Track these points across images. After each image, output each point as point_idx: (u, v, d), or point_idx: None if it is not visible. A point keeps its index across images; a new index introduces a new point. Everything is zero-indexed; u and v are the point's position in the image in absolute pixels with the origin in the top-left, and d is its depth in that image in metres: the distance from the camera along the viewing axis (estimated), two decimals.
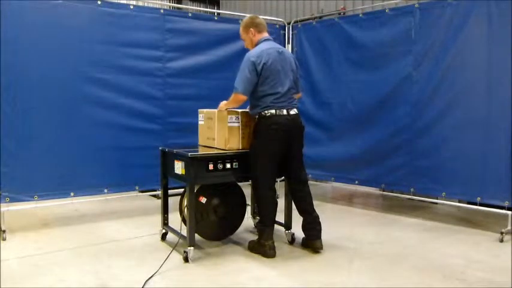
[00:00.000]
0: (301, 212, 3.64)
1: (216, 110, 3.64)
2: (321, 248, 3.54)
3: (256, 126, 3.49)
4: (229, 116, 3.51)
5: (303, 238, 3.72)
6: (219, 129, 3.59)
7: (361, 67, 4.98)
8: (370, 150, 4.91)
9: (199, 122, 3.88)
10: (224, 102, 3.59)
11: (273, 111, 3.39)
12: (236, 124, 3.53)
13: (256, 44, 3.54)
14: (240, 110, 3.57)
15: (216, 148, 3.59)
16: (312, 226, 3.58)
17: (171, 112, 4.80)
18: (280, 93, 3.41)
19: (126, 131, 4.52)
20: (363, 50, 4.95)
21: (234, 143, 3.53)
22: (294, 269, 3.23)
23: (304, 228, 3.63)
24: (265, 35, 3.59)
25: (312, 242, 3.57)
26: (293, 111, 3.47)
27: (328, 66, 5.29)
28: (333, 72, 5.24)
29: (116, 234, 4.04)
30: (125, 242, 3.83)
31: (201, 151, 3.49)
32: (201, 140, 3.87)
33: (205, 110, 3.82)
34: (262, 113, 3.41)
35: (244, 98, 3.42)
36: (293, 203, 3.69)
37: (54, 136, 4.13)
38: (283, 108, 3.42)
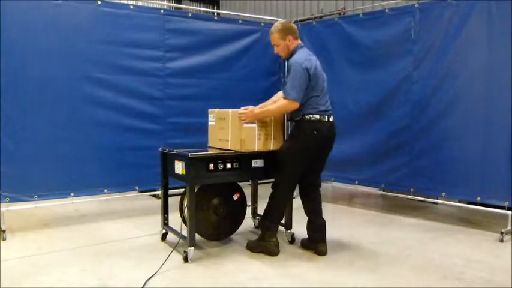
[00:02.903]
0: (310, 213, 3.63)
1: (230, 110, 3.52)
2: (326, 253, 3.53)
3: (296, 128, 3.42)
4: None
5: (304, 239, 3.72)
6: (233, 130, 3.47)
7: (361, 67, 4.98)
8: (370, 150, 4.91)
9: (210, 123, 3.75)
10: (256, 108, 3.43)
11: (317, 116, 3.35)
12: (252, 125, 3.43)
13: (293, 51, 3.47)
14: None
15: (229, 150, 3.47)
16: (320, 229, 3.58)
17: (171, 112, 4.80)
18: (322, 98, 3.41)
19: (126, 131, 4.52)
20: (363, 50, 4.95)
21: (251, 145, 3.43)
22: (294, 269, 3.23)
23: (311, 229, 3.62)
24: (300, 41, 3.54)
25: (317, 244, 3.55)
26: (331, 118, 3.46)
27: (328, 66, 5.25)
28: (333, 72, 5.21)
29: (116, 234, 4.04)
30: (124, 242, 3.83)
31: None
32: (212, 141, 3.73)
33: (216, 110, 3.69)
34: (306, 116, 3.34)
35: (297, 105, 3.30)
36: (304, 205, 3.65)
37: (54, 136, 4.12)
38: (325, 115, 3.40)
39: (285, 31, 3.47)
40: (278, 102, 3.41)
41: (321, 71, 3.50)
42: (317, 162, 3.53)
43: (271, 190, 3.56)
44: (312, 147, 3.40)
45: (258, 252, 3.48)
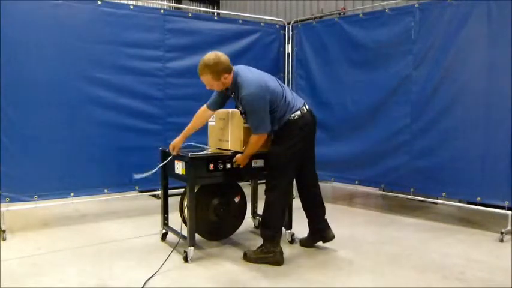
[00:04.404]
0: (316, 207, 3.63)
1: (229, 110, 3.52)
2: (334, 236, 3.59)
3: (283, 130, 3.30)
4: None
5: (302, 238, 3.73)
6: (233, 131, 3.48)
7: (361, 67, 4.98)
8: (370, 150, 4.91)
9: (210, 123, 3.76)
10: (241, 156, 3.35)
11: (299, 112, 3.30)
12: None
13: (233, 83, 3.22)
14: None
15: (229, 150, 3.49)
16: (324, 219, 3.64)
17: (171, 112, 4.80)
18: (288, 95, 3.34)
19: (126, 131, 4.52)
20: (363, 50, 4.95)
21: None
22: (294, 269, 3.23)
23: (316, 221, 3.63)
24: (233, 68, 3.23)
25: (325, 232, 3.59)
26: (307, 106, 3.42)
27: (328, 66, 5.29)
28: (333, 72, 5.24)
29: (116, 234, 4.04)
30: (125, 242, 3.83)
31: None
32: (212, 142, 3.74)
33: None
34: (290, 118, 3.27)
35: (267, 135, 3.28)
36: (307, 199, 3.64)
37: (55, 136, 4.13)
38: (302, 106, 3.36)
39: (219, 70, 3.13)
40: (251, 140, 3.27)
41: (269, 77, 3.31)
42: (309, 152, 3.53)
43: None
44: (304, 143, 3.37)
45: (263, 263, 3.29)
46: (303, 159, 3.47)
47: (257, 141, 3.27)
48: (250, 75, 3.22)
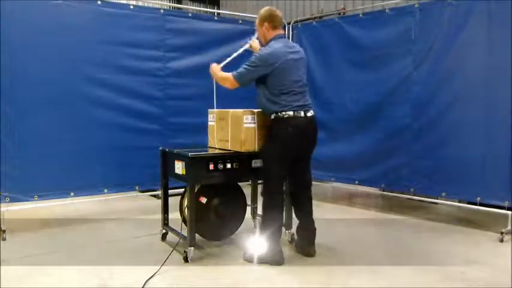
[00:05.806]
0: (300, 216, 3.58)
1: (230, 110, 3.51)
2: (314, 255, 3.48)
3: (272, 128, 3.33)
4: (245, 117, 3.38)
5: (296, 243, 3.67)
6: (233, 131, 3.46)
7: (361, 67, 4.99)
8: (370, 150, 4.91)
9: (210, 123, 3.73)
10: (218, 69, 3.60)
11: (291, 113, 3.25)
12: (252, 125, 3.40)
13: (269, 41, 3.41)
14: (255, 110, 3.45)
15: (230, 151, 3.47)
16: (310, 234, 3.53)
17: (171, 112, 4.80)
18: (296, 94, 3.30)
19: (126, 131, 4.52)
20: (363, 50, 4.95)
21: (251, 145, 3.40)
22: (294, 269, 3.23)
23: (300, 233, 3.58)
24: (280, 32, 3.43)
25: (308, 247, 3.51)
26: (310, 113, 3.36)
27: (328, 66, 5.29)
28: (333, 72, 5.25)
29: (116, 234, 4.04)
30: (125, 242, 3.83)
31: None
32: (212, 141, 3.72)
33: (216, 109, 3.69)
34: (280, 114, 3.25)
35: (235, 86, 3.43)
36: (296, 203, 3.61)
37: (55, 136, 4.13)
38: (301, 110, 3.30)
39: (263, 18, 3.42)
40: (225, 74, 3.49)
41: (294, 66, 3.32)
42: (300, 160, 3.46)
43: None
44: (290, 145, 3.31)
45: (261, 264, 3.30)
46: (294, 161, 3.41)
47: (225, 79, 3.48)
48: (281, 48, 3.32)
